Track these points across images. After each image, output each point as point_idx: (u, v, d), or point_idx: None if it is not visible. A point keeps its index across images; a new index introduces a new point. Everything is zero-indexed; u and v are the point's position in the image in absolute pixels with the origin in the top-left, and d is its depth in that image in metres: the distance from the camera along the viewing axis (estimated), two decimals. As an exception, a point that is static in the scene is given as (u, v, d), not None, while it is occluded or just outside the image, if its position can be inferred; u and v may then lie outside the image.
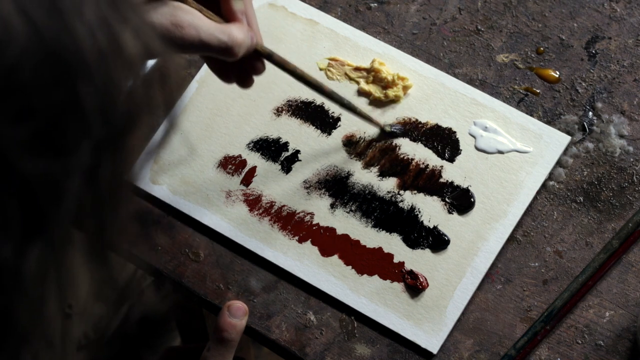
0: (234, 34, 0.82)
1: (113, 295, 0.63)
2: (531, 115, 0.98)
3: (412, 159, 0.98)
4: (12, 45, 0.47)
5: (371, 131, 0.99)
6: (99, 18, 0.50)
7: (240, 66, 0.87)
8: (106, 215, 0.54)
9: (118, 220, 0.55)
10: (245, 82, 0.89)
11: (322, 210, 0.96)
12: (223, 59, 0.83)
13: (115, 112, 0.51)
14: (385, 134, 0.98)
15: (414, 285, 0.93)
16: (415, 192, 0.96)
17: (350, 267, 0.94)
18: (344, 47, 1.03)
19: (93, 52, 0.49)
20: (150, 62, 0.57)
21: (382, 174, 0.97)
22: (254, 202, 0.98)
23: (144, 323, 0.65)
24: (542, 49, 1.00)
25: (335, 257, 0.95)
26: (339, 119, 1.00)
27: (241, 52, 0.82)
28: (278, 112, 1.01)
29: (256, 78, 1.02)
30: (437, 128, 0.99)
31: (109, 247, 0.56)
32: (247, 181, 0.99)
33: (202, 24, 0.80)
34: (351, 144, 0.99)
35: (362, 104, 1.00)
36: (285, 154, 0.99)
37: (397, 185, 0.97)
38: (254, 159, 0.99)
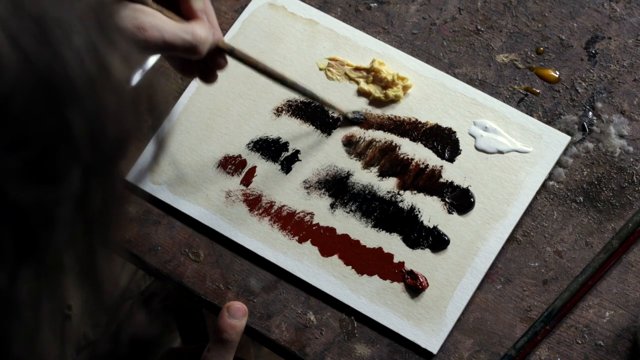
0: (197, 32, 0.82)
1: (103, 318, 0.63)
2: (531, 115, 0.98)
3: (412, 159, 0.98)
4: (4, 74, 0.47)
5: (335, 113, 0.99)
6: (88, 44, 0.50)
7: (203, 63, 0.88)
8: (97, 238, 0.54)
9: (109, 242, 0.55)
10: (208, 78, 0.89)
11: (322, 210, 0.96)
12: (188, 57, 0.84)
13: (105, 138, 0.51)
14: (348, 121, 0.99)
15: (414, 285, 0.93)
16: (415, 192, 0.96)
17: (350, 267, 0.94)
18: (343, 47, 1.03)
19: (82, 78, 0.49)
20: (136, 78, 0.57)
21: (382, 174, 0.97)
22: (254, 202, 0.98)
23: (133, 345, 0.65)
24: (542, 49, 1.00)
25: (335, 257, 0.95)
26: (339, 119, 1.00)
27: (205, 49, 0.83)
28: (278, 112, 1.01)
29: (256, 78, 1.02)
30: (437, 128, 0.99)
31: (99, 270, 0.56)
32: (247, 181, 0.99)
33: (164, 25, 0.81)
34: (351, 144, 0.99)
35: (362, 103, 1.00)
36: (285, 154, 0.99)
37: (397, 185, 0.97)
38: (254, 159, 0.99)
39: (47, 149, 0.49)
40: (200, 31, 0.82)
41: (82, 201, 0.51)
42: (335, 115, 1.00)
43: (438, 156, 0.97)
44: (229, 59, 0.88)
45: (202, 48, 0.83)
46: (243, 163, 0.99)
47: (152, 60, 1.05)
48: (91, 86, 0.50)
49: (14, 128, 0.48)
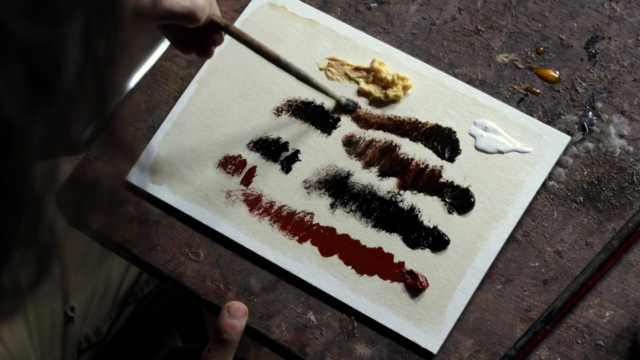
0: None
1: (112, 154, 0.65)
2: (531, 115, 0.98)
3: (412, 159, 0.98)
4: None
5: (330, 103, 0.99)
6: None
7: (199, 38, 0.91)
8: (106, 83, 0.56)
9: (117, 89, 0.57)
10: (204, 52, 0.93)
11: (322, 210, 0.96)
12: (186, 25, 0.86)
13: None
14: (341, 107, 1.00)
15: (414, 285, 0.93)
16: (415, 192, 0.96)
17: (350, 267, 0.94)
18: (344, 47, 1.03)
19: None
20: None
21: (382, 174, 0.97)
22: (254, 202, 0.98)
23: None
24: (542, 49, 1.00)
25: (335, 257, 0.95)
26: (339, 119, 1.00)
27: (203, 17, 0.86)
28: (278, 112, 1.01)
29: (256, 78, 1.02)
30: (437, 128, 0.99)
31: (111, 117, 0.58)
32: (247, 181, 0.99)
33: None
34: (351, 144, 0.99)
35: (362, 103, 1.00)
36: (285, 154, 0.99)
37: (397, 185, 0.97)
38: (254, 159, 0.99)
39: None
40: None
41: (87, 43, 0.53)
42: (329, 106, 1.00)
43: (438, 156, 0.97)
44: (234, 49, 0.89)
45: (200, 15, 0.85)
46: (243, 163, 0.99)
47: (151, 61, 1.06)
48: None
49: None
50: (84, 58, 0.53)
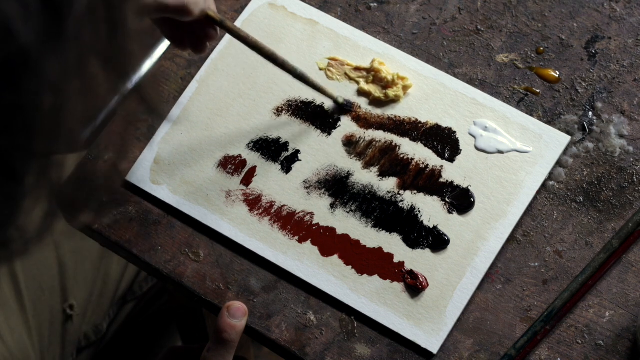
0: None
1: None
2: (531, 115, 0.98)
3: (412, 159, 0.98)
4: None
5: (329, 103, 0.99)
6: None
7: (194, 33, 0.91)
8: (117, 16, 0.55)
9: (128, 25, 0.56)
10: (199, 48, 0.93)
11: (322, 210, 0.96)
12: (179, 18, 0.86)
13: None
14: (338, 106, 1.00)
15: (414, 285, 0.93)
16: (415, 192, 0.96)
17: (350, 267, 0.94)
18: (344, 47, 1.03)
19: None
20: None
21: (382, 174, 0.97)
22: (254, 202, 0.98)
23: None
24: (542, 49, 1.00)
25: (335, 257, 0.95)
26: (339, 119, 1.00)
27: (197, 10, 0.86)
28: (278, 112, 1.01)
29: (256, 78, 1.02)
30: (437, 128, 0.99)
31: (123, 52, 0.57)
32: (247, 181, 0.99)
33: None
34: (351, 144, 0.99)
35: (362, 103, 1.00)
36: (285, 154, 0.99)
37: (397, 185, 0.97)
38: (254, 159, 0.99)
39: None
40: None
41: None
42: (327, 106, 1.00)
43: (438, 156, 0.97)
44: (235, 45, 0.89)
45: (192, 8, 0.85)
46: (243, 163, 0.99)
47: (151, 61, 1.05)
48: None
49: None
50: None
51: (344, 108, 1.00)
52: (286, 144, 1.00)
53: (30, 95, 0.52)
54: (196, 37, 0.92)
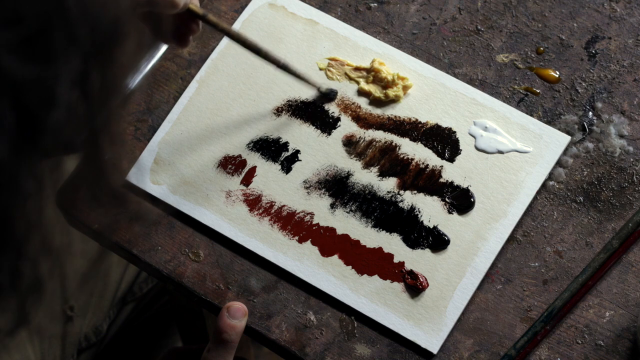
0: None
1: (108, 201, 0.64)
2: (531, 115, 0.98)
3: (412, 159, 0.98)
4: None
5: (308, 93, 0.99)
6: None
7: (176, 27, 0.91)
8: (98, 124, 0.54)
9: (110, 131, 0.56)
10: (181, 42, 0.93)
11: (322, 210, 0.96)
12: (166, 11, 0.86)
13: (102, 21, 0.52)
14: (321, 95, 1.00)
15: (414, 285, 0.93)
16: (415, 192, 0.96)
17: (350, 267, 0.94)
18: (344, 47, 1.03)
19: None
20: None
21: (382, 174, 0.97)
22: (254, 202, 0.98)
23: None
24: (542, 49, 1.00)
25: (335, 257, 0.95)
26: (339, 119, 1.00)
27: (182, 2, 0.86)
28: (278, 112, 1.01)
29: (256, 78, 1.02)
30: (437, 128, 0.99)
31: (102, 157, 0.56)
32: (247, 181, 0.99)
33: None
34: (351, 144, 0.99)
35: (362, 103, 1.00)
36: (285, 154, 0.99)
37: (397, 185, 0.97)
38: (254, 159, 0.99)
39: (44, 28, 0.50)
40: None
41: (80, 82, 0.51)
42: (311, 95, 1.00)
43: (438, 156, 0.97)
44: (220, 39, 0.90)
45: (178, 2, 0.85)
46: (243, 163, 0.99)
47: (152, 61, 1.05)
48: None
49: (8, 4, 0.48)
50: (76, 97, 0.51)
51: (330, 97, 1.00)
52: (286, 144, 1.00)
53: (4, 208, 0.51)
54: (179, 30, 0.93)
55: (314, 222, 0.96)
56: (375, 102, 1.00)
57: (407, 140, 0.98)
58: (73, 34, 0.51)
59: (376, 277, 0.94)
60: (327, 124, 1.00)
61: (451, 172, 0.97)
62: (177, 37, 0.93)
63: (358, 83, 1.01)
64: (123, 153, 0.62)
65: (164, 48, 1.07)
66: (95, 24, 0.52)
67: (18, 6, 0.49)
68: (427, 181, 0.97)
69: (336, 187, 0.97)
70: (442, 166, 0.97)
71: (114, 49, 0.54)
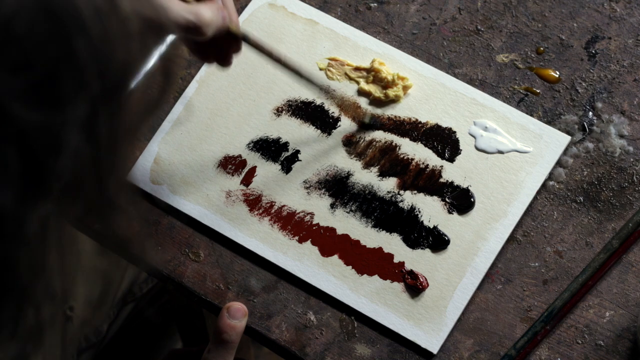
0: (202, 13, 0.83)
1: (114, 256, 0.63)
2: (531, 115, 0.98)
3: (412, 159, 0.98)
4: None
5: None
6: None
7: (218, 47, 0.89)
8: (105, 170, 0.54)
9: (117, 177, 0.55)
10: (224, 62, 0.91)
11: (322, 210, 0.96)
12: (193, 38, 0.84)
13: (111, 67, 0.52)
14: (365, 125, 0.99)
15: (414, 285, 0.93)
16: (415, 192, 0.96)
17: (350, 267, 0.94)
18: (344, 47, 1.03)
19: (89, 9, 0.50)
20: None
21: (382, 174, 0.97)
22: (254, 202, 0.98)
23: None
24: (542, 49, 1.00)
25: (335, 257, 0.95)
26: (339, 119, 1.00)
27: (210, 31, 0.84)
28: (278, 112, 1.01)
29: (256, 78, 1.02)
30: (437, 128, 0.99)
31: (108, 203, 0.56)
32: (247, 181, 0.99)
33: (169, 4, 0.82)
34: (351, 144, 0.99)
35: (362, 103, 1.00)
36: (285, 154, 0.99)
37: (397, 185, 0.97)
38: (254, 159, 0.99)
39: (52, 75, 0.49)
40: (205, 12, 0.83)
41: (88, 128, 0.51)
42: (349, 124, 1.00)
43: (438, 156, 0.97)
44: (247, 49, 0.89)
45: (205, 30, 0.83)
46: (243, 163, 0.99)
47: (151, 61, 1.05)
48: (98, 16, 0.50)
49: (16, 51, 0.48)
50: (84, 143, 0.51)
51: (375, 127, 0.99)
52: (286, 144, 1.00)
53: (3, 255, 0.50)
54: (220, 51, 0.90)
55: (314, 222, 0.96)
56: (375, 102, 1.00)
57: (407, 140, 0.98)
58: (82, 80, 0.50)
59: (376, 277, 0.94)
60: (327, 124, 1.00)
61: (451, 172, 0.97)
62: (218, 58, 0.90)
63: (358, 83, 1.01)
64: (131, 201, 0.62)
65: (163, 48, 1.07)
66: (105, 69, 0.51)
67: (27, 52, 0.48)
68: (427, 181, 0.97)
69: (336, 187, 0.97)
70: (442, 166, 0.97)
71: (123, 93, 0.53)
